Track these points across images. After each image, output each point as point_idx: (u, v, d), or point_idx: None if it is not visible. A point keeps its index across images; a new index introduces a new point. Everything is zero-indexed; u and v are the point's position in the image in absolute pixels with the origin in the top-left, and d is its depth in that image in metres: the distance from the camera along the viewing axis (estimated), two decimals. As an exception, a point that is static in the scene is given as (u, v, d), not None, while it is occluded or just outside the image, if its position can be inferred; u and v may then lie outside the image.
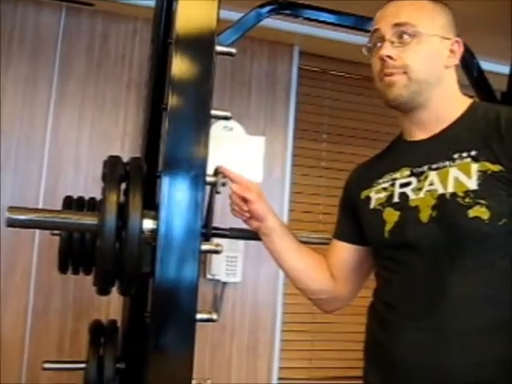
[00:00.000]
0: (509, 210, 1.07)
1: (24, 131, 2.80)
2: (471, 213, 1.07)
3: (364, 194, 1.31)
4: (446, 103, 1.23)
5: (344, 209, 1.42)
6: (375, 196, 1.27)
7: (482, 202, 1.07)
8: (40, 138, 2.82)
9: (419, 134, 1.25)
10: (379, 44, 1.23)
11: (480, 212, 1.07)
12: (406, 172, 1.22)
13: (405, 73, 1.18)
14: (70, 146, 2.86)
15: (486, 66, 2.08)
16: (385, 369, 1.20)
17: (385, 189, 1.25)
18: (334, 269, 1.40)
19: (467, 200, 1.08)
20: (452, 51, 1.23)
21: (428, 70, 1.20)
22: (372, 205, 1.27)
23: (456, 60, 1.24)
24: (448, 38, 1.22)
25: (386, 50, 1.19)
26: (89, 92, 2.91)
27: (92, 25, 2.94)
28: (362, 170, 1.41)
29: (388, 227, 1.20)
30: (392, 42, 1.19)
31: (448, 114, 1.22)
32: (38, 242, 2.73)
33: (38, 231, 2.67)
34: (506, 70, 2.26)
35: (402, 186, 1.21)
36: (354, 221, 1.35)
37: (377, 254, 1.30)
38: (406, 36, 1.19)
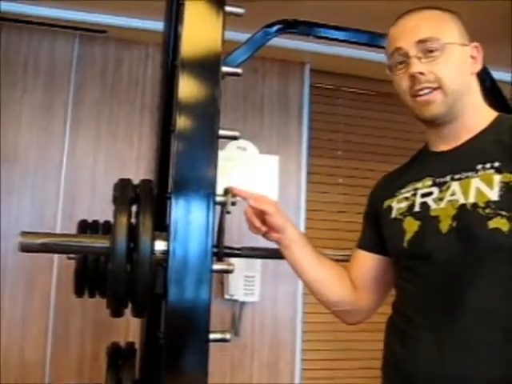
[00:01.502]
0: None
1: (40, 156, 2.84)
2: (491, 224, 1.06)
3: (386, 204, 1.30)
4: (474, 113, 1.22)
5: (368, 218, 1.41)
6: (397, 206, 1.26)
7: (503, 213, 1.06)
8: (56, 162, 2.86)
9: (444, 146, 1.24)
10: (403, 62, 1.21)
11: (500, 223, 1.06)
12: (429, 182, 1.21)
13: (438, 87, 1.17)
14: (86, 170, 2.90)
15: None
16: (401, 381, 1.19)
17: (406, 198, 1.24)
18: (356, 279, 1.39)
19: (488, 211, 1.07)
20: (473, 57, 1.22)
21: (460, 80, 1.19)
22: (393, 214, 1.26)
23: (479, 65, 1.23)
24: (467, 45, 1.22)
25: (417, 66, 1.17)
26: (103, 117, 2.96)
27: (105, 51, 3.00)
28: (386, 179, 1.40)
29: (407, 237, 1.20)
30: (419, 58, 1.18)
31: (474, 124, 1.21)
32: (57, 265, 2.76)
33: (56, 256, 2.70)
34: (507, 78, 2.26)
35: (424, 195, 1.20)
36: (378, 231, 1.34)
37: (396, 265, 1.29)
38: (433, 51, 1.18)
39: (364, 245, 1.40)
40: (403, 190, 1.27)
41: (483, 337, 1.07)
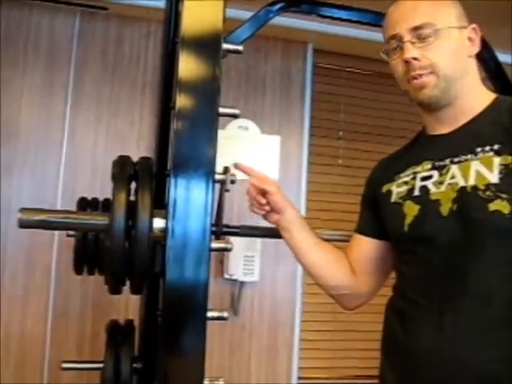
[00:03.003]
0: None
1: (41, 135, 2.84)
2: (491, 206, 1.06)
3: (385, 188, 1.30)
4: (472, 95, 1.22)
5: (366, 203, 1.41)
6: (396, 190, 1.26)
7: (503, 195, 1.05)
8: (57, 141, 2.86)
9: (442, 129, 1.24)
10: (398, 47, 1.22)
11: (501, 206, 1.05)
12: (428, 166, 1.21)
13: (432, 72, 1.17)
14: (87, 148, 2.90)
15: (502, 58, 2.06)
16: (401, 362, 1.20)
17: (406, 182, 1.24)
18: (355, 263, 1.39)
19: (488, 193, 1.07)
20: (470, 39, 1.22)
21: (454, 65, 1.19)
22: (393, 198, 1.26)
23: (476, 48, 1.22)
24: (464, 27, 1.21)
25: (411, 51, 1.18)
26: (104, 95, 2.94)
27: (106, 28, 2.97)
28: (384, 164, 1.40)
29: (408, 221, 1.20)
30: (413, 43, 1.18)
31: (472, 106, 1.20)
32: (57, 243, 2.77)
33: (56, 233, 2.71)
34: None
35: (423, 179, 1.20)
36: (376, 215, 1.34)
37: (396, 248, 1.30)
38: (426, 36, 1.17)
39: (362, 229, 1.40)
40: (402, 174, 1.27)
41: (482, 319, 1.07)
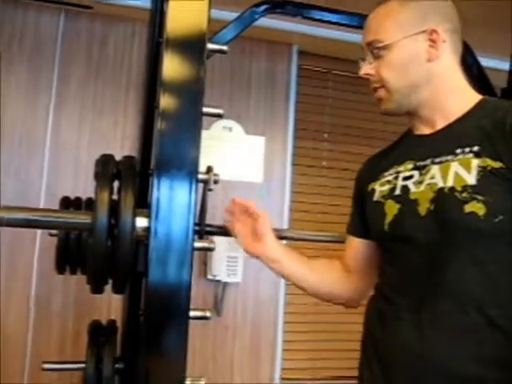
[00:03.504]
0: (506, 208, 1.06)
1: (25, 134, 2.82)
2: (467, 208, 1.07)
3: (370, 187, 1.31)
4: (448, 98, 1.21)
5: (355, 202, 1.42)
6: (379, 188, 1.27)
7: (479, 197, 1.06)
8: (40, 140, 2.84)
9: (425, 129, 1.25)
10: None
11: (476, 207, 1.06)
12: (410, 165, 1.22)
13: (383, 87, 1.23)
14: (70, 148, 2.88)
15: (486, 62, 2.07)
16: (378, 361, 1.21)
17: (389, 181, 1.25)
18: (350, 263, 1.41)
19: (464, 195, 1.08)
20: (432, 41, 1.19)
21: (407, 76, 1.21)
22: (375, 197, 1.27)
23: (438, 49, 1.20)
24: (422, 32, 1.19)
25: (363, 69, 1.25)
26: (88, 94, 2.93)
27: (91, 28, 2.96)
28: (370, 162, 1.41)
29: (388, 220, 1.21)
30: (371, 59, 1.24)
31: (453, 109, 1.20)
32: (40, 242, 2.75)
33: (39, 232, 2.69)
34: (505, 66, 2.26)
35: (405, 179, 1.21)
36: (363, 214, 1.35)
37: (379, 247, 1.31)
38: (376, 52, 1.22)
39: (352, 231, 1.41)
40: (386, 173, 1.28)
41: (458, 319, 1.08)
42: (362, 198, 1.36)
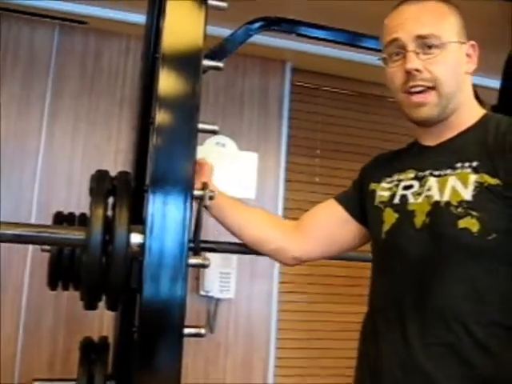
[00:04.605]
0: (500, 226, 1.06)
1: (17, 147, 2.81)
2: (461, 223, 1.07)
3: (372, 187, 1.31)
4: (463, 110, 1.20)
5: (355, 185, 1.41)
6: (379, 193, 1.27)
7: (474, 213, 1.06)
8: (33, 153, 2.83)
9: (430, 140, 1.24)
10: (399, 55, 1.18)
11: (470, 223, 1.06)
12: (411, 175, 1.22)
13: (433, 87, 1.15)
14: (63, 161, 2.87)
15: (477, 80, 2.09)
16: (370, 375, 1.21)
17: (389, 188, 1.25)
18: (311, 226, 1.41)
19: (459, 210, 1.08)
20: (468, 55, 1.20)
21: (454, 81, 1.17)
22: (375, 201, 1.27)
23: (474, 64, 1.21)
24: (464, 43, 1.19)
25: (414, 62, 1.14)
26: (82, 108, 2.93)
27: (85, 43, 2.97)
28: (379, 161, 1.39)
29: (385, 228, 1.21)
30: (417, 53, 1.15)
31: (460, 121, 1.20)
32: (31, 258, 2.73)
33: (30, 248, 2.67)
34: (496, 84, 2.28)
35: (405, 188, 1.21)
36: (359, 198, 1.35)
37: (373, 253, 1.30)
38: (432, 48, 1.15)
39: (342, 199, 1.40)
40: (389, 179, 1.28)
41: (443, 336, 1.08)
42: (362, 188, 1.36)
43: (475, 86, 1.27)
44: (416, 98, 1.16)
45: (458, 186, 1.11)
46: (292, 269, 2.76)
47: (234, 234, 1.43)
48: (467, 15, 1.22)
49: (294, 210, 3.30)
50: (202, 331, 1.17)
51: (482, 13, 2.28)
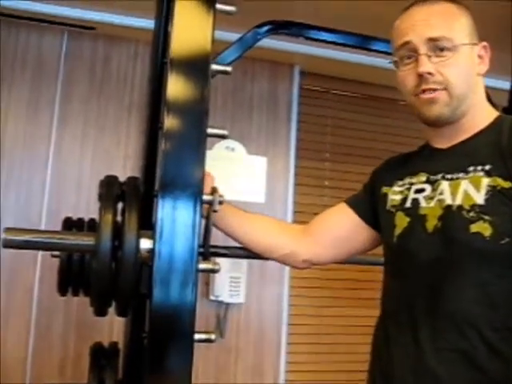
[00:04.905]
0: None
1: (27, 152, 2.82)
2: (473, 227, 1.06)
3: (383, 191, 1.30)
4: (475, 112, 1.19)
5: (366, 188, 1.41)
6: (391, 196, 1.27)
7: (486, 217, 1.05)
8: (43, 159, 2.84)
9: (442, 143, 1.23)
10: (410, 58, 1.18)
11: (482, 228, 1.06)
12: (423, 178, 1.22)
13: (445, 89, 1.15)
14: (73, 166, 2.88)
15: (487, 81, 2.08)
16: (382, 379, 1.20)
17: (401, 192, 1.25)
18: (323, 232, 1.41)
19: (472, 214, 1.07)
20: (480, 57, 1.20)
21: (466, 83, 1.16)
22: (387, 205, 1.27)
23: (486, 66, 1.20)
24: (476, 44, 1.19)
25: (426, 65, 1.14)
26: (91, 114, 2.94)
27: (94, 48, 2.98)
28: (390, 164, 1.39)
29: (397, 232, 1.21)
30: (429, 56, 1.15)
31: (473, 124, 1.19)
32: (41, 263, 2.73)
33: (40, 252, 2.67)
34: (506, 85, 2.27)
35: (417, 191, 1.21)
36: (370, 201, 1.35)
37: (385, 257, 1.30)
38: (444, 51, 1.14)
39: (353, 203, 1.39)
40: (400, 182, 1.27)
41: (455, 341, 1.07)
42: (373, 192, 1.35)
43: (489, 88, 1.26)
44: (427, 95, 1.16)
45: (471, 189, 1.10)
46: (302, 273, 2.74)
47: (239, 242, 1.42)
48: (476, 16, 1.21)
49: (304, 214, 3.29)
50: (213, 337, 1.17)
51: (490, 13, 2.27)
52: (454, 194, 1.12)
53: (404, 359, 1.13)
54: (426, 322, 1.11)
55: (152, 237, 1.11)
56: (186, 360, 1.11)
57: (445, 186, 1.15)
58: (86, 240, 1.11)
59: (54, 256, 1.51)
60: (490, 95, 1.87)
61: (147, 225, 1.19)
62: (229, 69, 1.25)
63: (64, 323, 2.77)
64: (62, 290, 1.53)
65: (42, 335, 2.74)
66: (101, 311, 1.15)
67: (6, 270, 2.68)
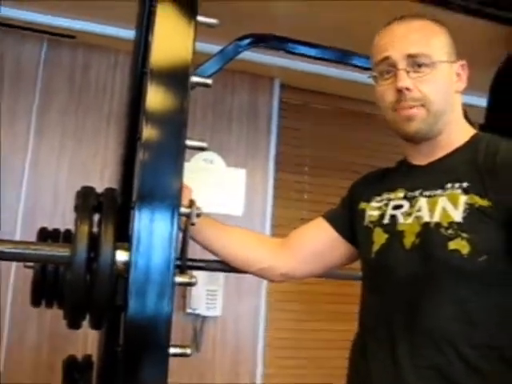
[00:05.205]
0: (490, 248, 1.06)
1: (3, 161, 2.77)
2: (451, 245, 1.07)
3: (361, 206, 1.31)
4: (453, 130, 1.21)
5: (344, 203, 1.41)
6: (369, 212, 1.27)
7: (464, 235, 1.06)
8: (19, 168, 2.81)
9: (420, 159, 1.24)
10: (389, 73, 1.19)
11: (460, 245, 1.06)
12: (401, 194, 1.22)
13: (423, 105, 1.16)
14: (49, 176, 2.85)
15: (464, 99, 2.11)
16: None
17: (379, 207, 1.25)
18: (300, 247, 1.41)
19: (450, 231, 1.07)
20: (458, 75, 1.21)
21: (443, 100, 1.17)
22: (365, 221, 1.27)
23: (464, 84, 1.22)
24: (454, 62, 1.21)
25: (405, 81, 1.15)
26: (69, 123, 2.91)
27: (73, 56, 2.96)
28: (368, 179, 1.40)
29: (375, 248, 1.21)
30: (407, 72, 1.16)
31: (451, 141, 1.20)
32: (14, 273, 2.69)
33: (13, 264, 2.63)
34: (483, 102, 2.29)
35: (395, 208, 1.21)
36: (348, 216, 1.35)
37: (363, 272, 1.30)
38: (422, 67, 1.15)
39: (331, 217, 1.39)
40: (378, 198, 1.28)
41: (432, 357, 1.07)
42: (352, 207, 1.35)
43: (466, 106, 1.28)
44: (405, 112, 1.17)
45: (449, 206, 1.10)
46: (279, 286, 2.74)
47: (217, 255, 1.41)
48: (453, 34, 1.23)
49: (283, 227, 3.29)
50: (188, 351, 1.15)
51: (467, 32, 2.30)
52: (431, 210, 1.12)
53: (382, 375, 1.13)
54: (404, 338, 1.11)
55: (128, 249, 1.10)
56: (161, 373, 1.10)
57: (422, 202, 1.16)
58: (61, 251, 1.09)
59: (27, 267, 1.48)
60: (467, 112, 1.90)
61: (124, 237, 1.17)
62: (209, 81, 1.25)
63: (37, 334, 2.72)
64: (36, 302, 1.51)
65: (14, 348, 2.69)
66: (74, 324, 1.13)
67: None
